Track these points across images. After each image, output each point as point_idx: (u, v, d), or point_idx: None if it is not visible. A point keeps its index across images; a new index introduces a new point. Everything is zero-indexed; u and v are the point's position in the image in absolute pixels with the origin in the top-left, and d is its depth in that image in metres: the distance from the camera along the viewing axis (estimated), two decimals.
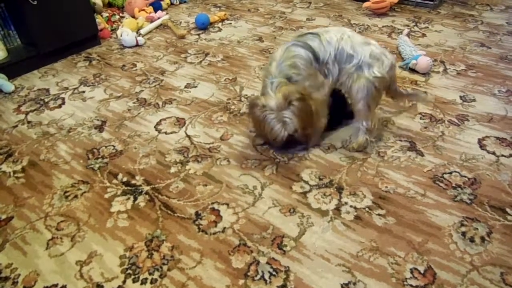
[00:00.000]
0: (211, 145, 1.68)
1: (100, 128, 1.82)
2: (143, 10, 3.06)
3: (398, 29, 2.75)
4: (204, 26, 2.90)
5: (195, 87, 2.13)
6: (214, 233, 1.28)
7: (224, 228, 1.30)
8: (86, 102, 2.04)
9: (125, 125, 1.84)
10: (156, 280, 1.14)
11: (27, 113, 1.96)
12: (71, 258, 1.22)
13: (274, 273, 1.15)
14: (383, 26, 2.82)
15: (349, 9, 3.21)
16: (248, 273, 1.15)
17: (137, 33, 2.77)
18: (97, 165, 1.60)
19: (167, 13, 3.21)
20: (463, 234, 1.24)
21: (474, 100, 1.91)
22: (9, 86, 2.15)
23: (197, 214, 1.35)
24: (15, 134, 1.81)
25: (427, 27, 2.78)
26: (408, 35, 2.56)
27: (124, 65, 2.40)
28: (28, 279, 1.17)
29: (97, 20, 2.72)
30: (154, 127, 1.81)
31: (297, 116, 1.42)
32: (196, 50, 2.58)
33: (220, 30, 2.90)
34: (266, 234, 1.27)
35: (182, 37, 2.78)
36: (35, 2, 2.20)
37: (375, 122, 1.60)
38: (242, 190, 1.45)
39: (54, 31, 2.38)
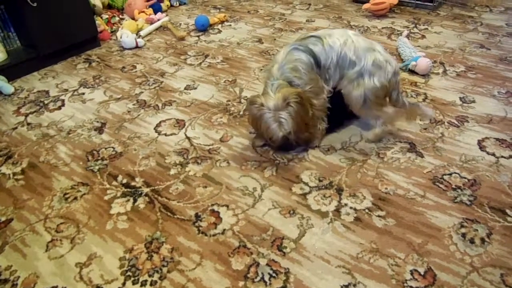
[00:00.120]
0: (210, 147, 1.68)
1: (100, 130, 1.82)
2: (143, 12, 3.07)
3: (398, 31, 2.75)
4: (203, 27, 2.90)
5: (195, 88, 2.13)
6: (214, 235, 1.28)
7: (224, 229, 1.30)
8: (86, 104, 2.04)
9: (125, 127, 1.84)
10: (155, 282, 1.14)
11: (26, 115, 1.96)
12: (71, 260, 1.22)
13: (274, 274, 1.15)
14: (382, 28, 2.83)
15: (349, 11, 3.22)
16: (248, 275, 1.15)
17: (136, 35, 2.77)
18: (97, 167, 1.59)
19: (166, 15, 3.21)
20: (463, 235, 1.24)
21: (473, 102, 1.91)
22: (8, 88, 2.15)
23: (196, 215, 1.35)
24: (15, 136, 1.81)
25: (427, 29, 2.79)
26: (407, 36, 2.57)
27: (123, 67, 2.40)
28: (27, 281, 1.16)
29: (96, 22, 2.72)
30: (154, 128, 1.81)
31: (293, 118, 1.42)
32: (196, 51, 2.58)
33: (219, 31, 2.90)
34: (266, 236, 1.27)
35: (182, 38, 2.78)
36: (35, 4, 2.20)
37: (387, 116, 1.60)
38: (242, 191, 1.45)
39: (54, 33, 2.38)
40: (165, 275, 1.16)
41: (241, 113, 1.89)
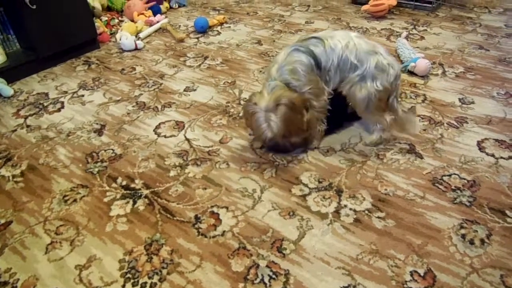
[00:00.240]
0: (210, 149, 1.68)
1: (99, 132, 1.82)
2: (142, 14, 3.07)
3: (397, 32, 2.76)
4: (203, 29, 2.90)
5: (194, 90, 2.13)
6: (214, 237, 1.28)
7: (224, 231, 1.30)
8: (85, 106, 2.04)
9: (124, 128, 1.84)
10: (155, 284, 1.14)
11: (26, 117, 1.96)
12: (71, 262, 1.22)
13: (274, 276, 1.15)
14: (381, 29, 2.83)
15: (348, 12, 3.22)
16: (248, 277, 1.15)
17: (136, 36, 2.77)
18: (96, 169, 1.59)
19: (166, 17, 3.22)
20: (463, 236, 1.24)
21: (473, 103, 1.91)
22: (8, 90, 2.15)
23: (196, 217, 1.35)
24: (14, 138, 1.81)
25: (426, 30, 2.79)
26: (406, 37, 2.57)
27: (123, 69, 2.41)
28: (27, 283, 1.16)
29: (96, 24, 2.72)
30: (153, 130, 1.81)
31: (282, 122, 1.42)
32: (195, 53, 2.58)
33: (219, 33, 2.90)
34: (265, 237, 1.27)
35: (181, 40, 2.78)
36: (34, 6, 2.21)
37: (387, 121, 1.60)
38: (242, 193, 1.45)
39: (53, 35, 2.38)
40: (164, 277, 1.16)
41: (240, 114, 1.89)
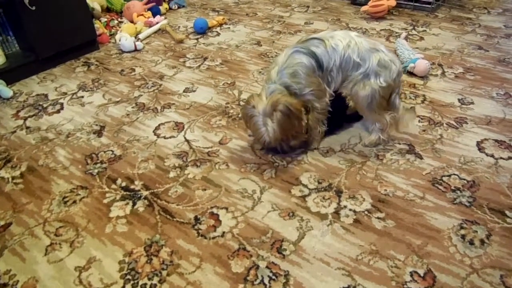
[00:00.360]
0: (210, 149, 1.68)
1: (99, 133, 1.82)
2: (142, 15, 3.07)
3: (396, 33, 2.76)
4: (202, 30, 2.90)
5: (194, 91, 2.13)
6: (214, 238, 1.28)
7: (224, 232, 1.30)
8: (84, 107, 2.04)
9: (124, 130, 1.84)
10: (155, 285, 1.14)
11: (25, 119, 1.96)
12: (70, 264, 1.22)
13: (273, 277, 1.15)
14: (381, 30, 2.83)
15: (347, 13, 3.22)
16: (248, 278, 1.15)
17: (135, 38, 2.77)
18: (96, 170, 1.59)
19: (165, 18, 3.22)
20: (463, 236, 1.24)
21: (472, 103, 1.91)
22: (7, 91, 2.15)
23: (196, 218, 1.35)
24: (14, 139, 1.81)
25: (425, 31, 2.79)
26: (406, 38, 2.57)
27: (122, 70, 2.41)
28: (26, 285, 1.16)
29: (95, 25, 2.72)
30: (153, 131, 1.81)
31: (278, 127, 1.42)
32: (195, 54, 2.58)
33: (218, 34, 2.90)
34: (265, 238, 1.27)
35: (181, 41, 2.78)
36: (34, 8, 2.21)
37: (387, 122, 1.60)
38: (241, 194, 1.45)
39: (53, 36, 2.38)
40: (164, 278, 1.16)
41: (240, 115, 1.89)
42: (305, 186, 1.47)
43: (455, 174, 1.49)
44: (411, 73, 2.18)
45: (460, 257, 1.18)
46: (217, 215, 1.36)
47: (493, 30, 2.76)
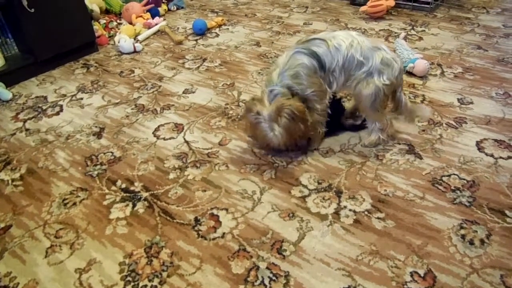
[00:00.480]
0: (209, 151, 1.68)
1: (98, 135, 1.82)
2: (141, 16, 3.07)
3: (395, 33, 2.76)
4: (201, 31, 2.90)
5: (193, 92, 2.13)
6: (214, 239, 1.28)
7: (224, 233, 1.30)
8: (84, 109, 2.04)
9: (124, 131, 1.84)
10: (155, 286, 1.14)
11: (25, 121, 1.96)
12: (70, 266, 1.22)
13: (274, 278, 1.15)
14: (380, 30, 2.83)
15: (346, 13, 3.22)
16: (248, 279, 1.15)
17: (134, 39, 2.78)
18: (96, 172, 1.59)
19: (164, 19, 3.22)
20: (463, 236, 1.24)
21: (471, 103, 1.91)
22: (6, 94, 2.15)
23: (196, 219, 1.35)
24: (13, 142, 1.81)
25: (424, 31, 2.80)
26: (405, 38, 2.57)
27: (122, 72, 2.41)
28: (27, 287, 1.16)
29: (94, 27, 2.72)
30: (153, 133, 1.81)
31: (286, 132, 1.43)
32: (194, 55, 2.58)
33: (217, 35, 2.91)
34: (265, 239, 1.27)
35: (180, 43, 2.79)
36: (33, 10, 2.21)
37: (387, 122, 1.61)
38: (241, 195, 1.45)
39: (52, 38, 2.38)
40: (165, 279, 1.16)
41: (239, 116, 1.89)
42: (305, 186, 1.47)
43: (454, 174, 1.49)
44: (410, 73, 2.18)
45: (460, 257, 1.18)
46: (217, 216, 1.36)
47: (492, 30, 2.76)
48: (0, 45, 2.34)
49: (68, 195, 1.49)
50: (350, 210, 1.36)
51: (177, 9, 3.55)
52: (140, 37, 2.82)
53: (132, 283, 1.15)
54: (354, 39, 1.49)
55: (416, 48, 2.50)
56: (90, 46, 2.66)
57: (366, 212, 1.35)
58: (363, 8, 3.08)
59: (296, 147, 1.59)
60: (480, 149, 1.61)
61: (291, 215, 1.35)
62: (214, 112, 1.94)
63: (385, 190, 1.43)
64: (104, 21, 2.96)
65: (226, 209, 1.39)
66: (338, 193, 1.43)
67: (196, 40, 2.84)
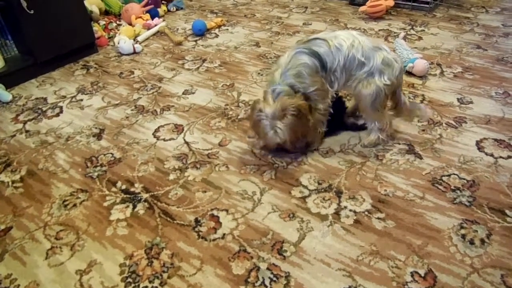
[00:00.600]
0: (209, 151, 1.68)
1: (98, 136, 1.82)
2: (140, 17, 3.07)
3: (395, 33, 2.76)
4: (201, 32, 2.90)
5: (193, 93, 2.14)
6: (214, 240, 1.28)
7: (224, 234, 1.30)
8: (84, 110, 2.04)
9: (123, 132, 1.84)
10: None
11: (25, 123, 1.96)
12: (71, 267, 1.22)
13: (274, 278, 1.15)
14: (379, 30, 2.84)
15: (345, 13, 3.23)
16: (249, 279, 1.15)
17: (134, 40, 2.78)
18: (96, 173, 1.59)
19: (164, 20, 3.22)
20: (463, 236, 1.24)
21: (471, 102, 1.91)
22: (6, 95, 2.15)
23: (196, 220, 1.35)
24: (13, 143, 1.81)
25: (423, 30, 2.80)
26: (404, 38, 2.57)
27: (121, 73, 2.41)
28: None
29: (94, 28, 2.72)
30: (153, 134, 1.81)
31: (289, 129, 1.43)
32: (193, 56, 2.58)
33: (217, 36, 2.91)
34: (266, 240, 1.27)
35: (179, 43, 2.79)
36: (32, 11, 2.21)
37: (387, 121, 1.61)
38: (241, 195, 1.45)
39: (51, 40, 2.38)
40: (165, 281, 1.16)
41: (239, 117, 1.89)
42: (305, 187, 1.47)
43: (454, 174, 1.49)
44: (410, 73, 2.18)
45: (460, 257, 1.18)
46: (218, 217, 1.36)
47: (491, 29, 2.76)
48: (0, 46, 2.34)
49: (68, 196, 1.49)
50: (350, 210, 1.36)
51: (177, 10, 3.55)
52: (139, 38, 2.83)
53: (132, 284, 1.15)
54: (355, 39, 1.49)
55: (415, 48, 2.50)
56: (89, 47, 2.67)
57: (366, 212, 1.35)
58: (362, 8, 3.08)
59: (295, 148, 1.59)
60: (480, 148, 1.61)
61: (291, 215, 1.35)
62: (214, 113, 1.95)
63: (385, 190, 1.43)
64: (104, 22, 2.96)
65: (227, 210, 1.39)
66: (338, 194, 1.43)
67: (195, 41, 2.84)
